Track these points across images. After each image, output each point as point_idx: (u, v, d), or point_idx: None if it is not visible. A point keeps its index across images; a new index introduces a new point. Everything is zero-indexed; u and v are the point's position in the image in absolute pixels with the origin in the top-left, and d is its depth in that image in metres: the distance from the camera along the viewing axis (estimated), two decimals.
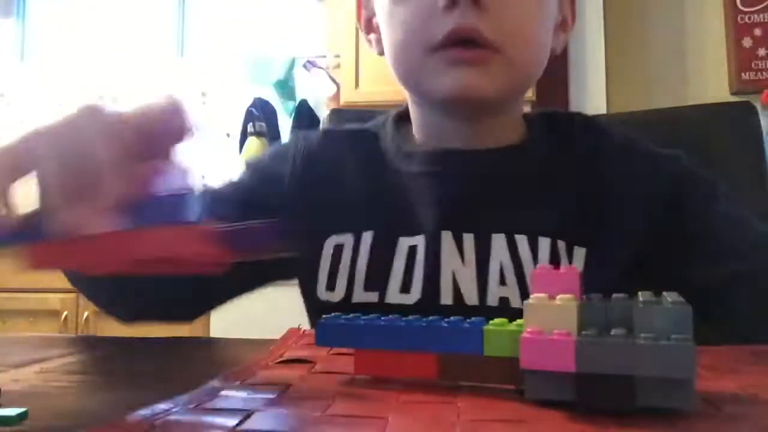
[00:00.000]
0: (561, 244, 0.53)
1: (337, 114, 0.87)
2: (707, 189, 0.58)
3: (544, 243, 0.53)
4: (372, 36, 0.63)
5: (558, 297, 0.25)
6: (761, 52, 2.20)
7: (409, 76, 0.57)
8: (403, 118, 0.64)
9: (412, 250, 0.54)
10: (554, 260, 0.53)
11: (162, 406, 0.24)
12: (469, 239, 0.54)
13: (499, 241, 0.54)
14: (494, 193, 0.56)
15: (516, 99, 0.60)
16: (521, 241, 0.54)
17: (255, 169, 0.63)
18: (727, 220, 0.56)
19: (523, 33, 0.55)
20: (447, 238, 0.55)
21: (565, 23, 0.63)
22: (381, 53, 0.60)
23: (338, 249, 0.55)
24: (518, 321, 0.26)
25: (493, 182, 0.56)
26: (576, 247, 0.53)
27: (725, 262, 0.54)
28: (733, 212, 0.57)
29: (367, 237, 0.56)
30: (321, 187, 0.59)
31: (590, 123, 0.62)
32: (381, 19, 0.59)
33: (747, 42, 2.20)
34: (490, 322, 0.27)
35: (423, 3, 0.54)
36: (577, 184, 0.57)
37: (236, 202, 0.59)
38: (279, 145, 0.67)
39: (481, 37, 0.52)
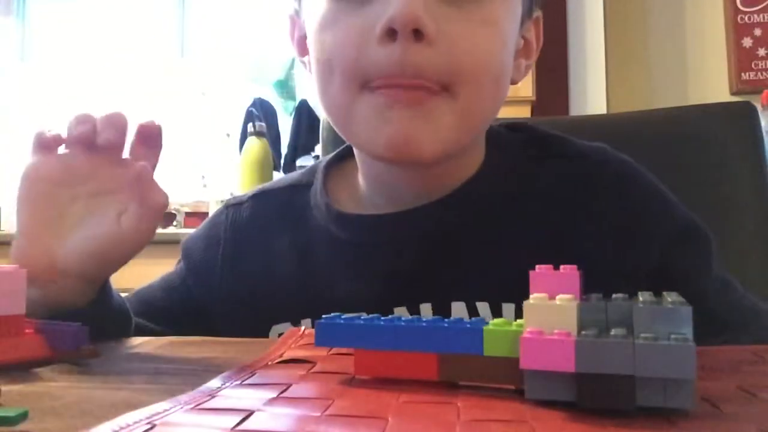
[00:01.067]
0: None
1: None
2: (699, 254, 0.51)
3: (508, 309, 0.47)
4: (306, 58, 0.54)
5: (558, 297, 0.25)
6: (761, 52, 2.20)
7: (340, 117, 0.48)
8: (341, 159, 0.57)
9: None
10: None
11: (161, 405, 0.24)
12: (426, 309, 0.49)
13: (458, 310, 0.48)
14: (449, 253, 0.50)
15: (473, 142, 0.51)
16: (483, 309, 0.48)
17: (189, 267, 0.59)
18: (718, 293, 0.50)
19: (478, 71, 0.45)
20: (401, 313, 0.49)
21: (529, 48, 0.54)
22: None
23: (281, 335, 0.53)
24: (518, 321, 0.26)
25: (446, 241, 0.50)
26: None
27: (716, 336, 0.47)
28: (722, 282, 0.51)
29: (306, 323, 0.51)
30: (251, 275, 0.55)
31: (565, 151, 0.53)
32: (309, 42, 0.50)
33: (747, 42, 2.20)
34: (491, 322, 0.27)
35: (353, 30, 0.45)
36: (544, 221, 0.50)
37: (176, 312, 0.57)
38: (210, 222, 0.61)
39: (425, 77, 0.44)
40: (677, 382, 0.22)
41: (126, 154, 0.47)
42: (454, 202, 0.50)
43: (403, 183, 0.51)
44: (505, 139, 0.55)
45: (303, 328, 0.41)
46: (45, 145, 0.46)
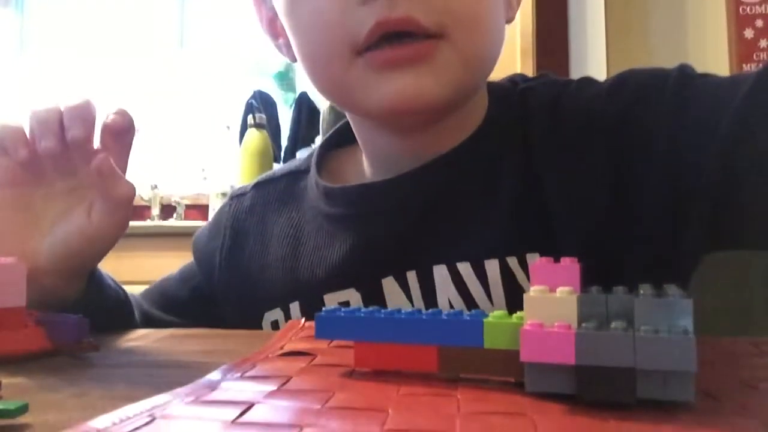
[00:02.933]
0: (511, 261, 0.45)
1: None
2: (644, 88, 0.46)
3: (491, 265, 0.46)
4: (281, 41, 0.52)
5: (558, 290, 0.25)
6: (763, 43, 2.19)
7: (331, 90, 0.47)
8: (338, 138, 0.57)
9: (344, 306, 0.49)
10: (507, 278, 0.45)
11: (161, 398, 0.24)
12: (412, 277, 0.48)
13: (440, 274, 0.47)
14: (431, 217, 0.48)
15: (474, 92, 0.49)
16: (464, 268, 0.46)
17: (195, 258, 0.60)
18: (683, 99, 0.45)
19: (474, 14, 0.44)
20: (389, 284, 0.48)
21: None
22: (295, 60, 0.49)
23: (274, 324, 0.52)
24: (519, 314, 0.26)
25: (428, 205, 0.48)
26: (528, 255, 0.45)
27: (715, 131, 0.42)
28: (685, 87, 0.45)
29: (295, 308, 0.51)
30: (246, 262, 0.55)
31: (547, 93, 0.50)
32: (284, 19, 0.48)
33: (749, 33, 2.19)
34: (491, 314, 0.27)
35: None
36: (525, 174, 0.47)
37: (188, 303, 0.59)
38: (216, 214, 0.61)
39: (418, 27, 0.42)
40: (678, 374, 0.22)
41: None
42: (438, 166, 0.49)
43: (399, 149, 0.50)
44: (508, 92, 0.52)
45: (303, 320, 0.41)
46: (11, 149, 0.44)
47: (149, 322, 0.55)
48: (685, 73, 0.46)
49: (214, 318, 0.54)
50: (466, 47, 0.43)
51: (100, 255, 0.47)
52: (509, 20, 0.50)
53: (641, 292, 0.25)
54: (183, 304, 0.59)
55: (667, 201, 0.44)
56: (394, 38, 0.42)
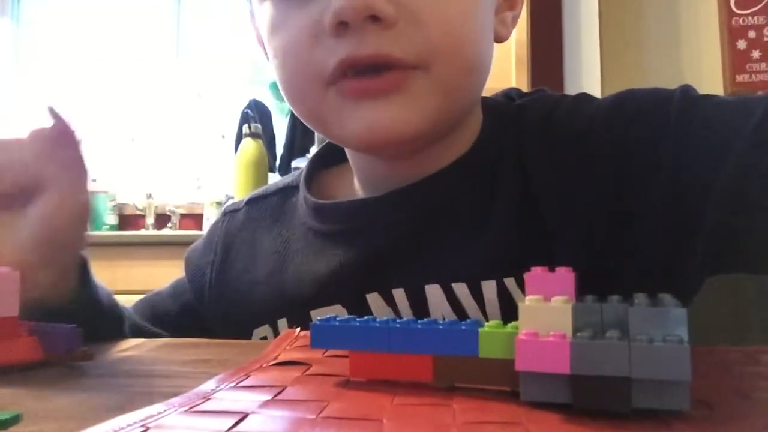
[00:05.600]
0: (509, 282, 0.44)
1: None
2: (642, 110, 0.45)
3: (488, 286, 0.44)
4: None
5: (553, 299, 0.25)
6: (755, 54, 2.21)
7: (308, 119, 0.46)
8: (328, 154, 0.56)
9: None
10: (504, 299, 0.44)
11: (155, 408, 0.24)
12: (399, 294, 0.47)
13: (434, 293, 0.45)
14: (423, 235, 0.47)
15: (463, 117, 0.47)
16: (460, 289, 0.45)
17: (187, 274, 0.59)
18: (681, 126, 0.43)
19: (454, 42, 0.41)
20: (375, 300, 0.47)
21: None
22: None
23: (264, 339, 0.52)
24: (514, 323, 0.26)
25: (420, 223, 0.47)
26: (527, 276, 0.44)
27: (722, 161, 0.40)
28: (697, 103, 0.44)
29: (283, 324, 0.51)
30: (235, 280, 0.55)
31: (546, 110, 0.49)
32: (265, 43, 0.47)
33: (741, 44, 2.21)
34: (486, 324, 0.27)
35: (302, 29, 0.42)
36: (521, 193, 0.46)
37: (179, 318, 0.58)
38: (209, 230, 0.61)
39: (391, 61, 0.40)
40: (673, 383, 0.22)
41: None
42: (432, 184, 0.47)
43: (388, 172, 0.49)
44: (503, 108, 0.51)
45: (298, 330, 0.41)
46: None
47: (138, 334, 0.55)
48: (688, 94, 0.45)
49: (203, 334, 0.54)
50: (445, 78, 0.41)
51: (80, 231, 0.44)
52: (502, 39, 0.48)
53: (636, 301, 0.25)
54: (172, 319, 0.59)
55: (670, 224, 0.43)
56: (368, 70, 0.40)
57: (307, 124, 0.48)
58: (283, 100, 2.26)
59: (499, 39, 0.48)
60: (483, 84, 0.47)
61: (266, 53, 0.51)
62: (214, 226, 0.61)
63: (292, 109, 0.48)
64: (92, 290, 0.49)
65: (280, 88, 0.47)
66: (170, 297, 0.60)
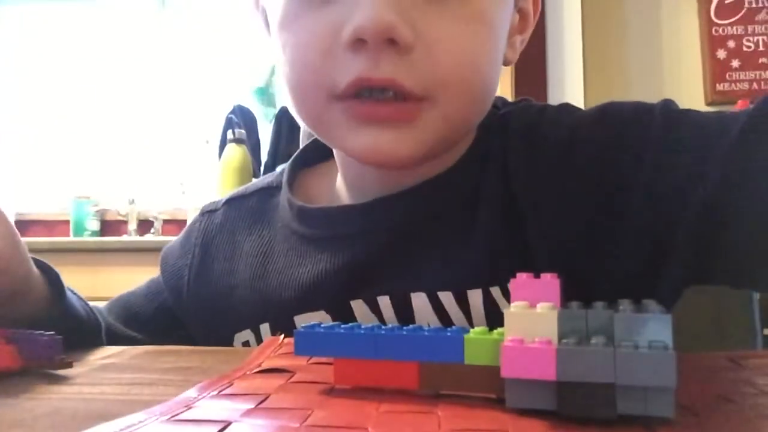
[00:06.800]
0: (495, 291, 0.44)
1: None
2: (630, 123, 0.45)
3: (474, 295, 0.44)
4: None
5: (538, 305, 0.25)
6: (735, 63, 2.24)
7: (310, 124, 0.46)
8: (310, 155, 0.56)
9: None
10: (490, 309, 0.44)
11: (136, 417, 0.24)
12: (384, 301, 0.46)
13: (419, 301, 0.45)
14: (409, 243, 0.47)
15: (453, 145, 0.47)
16: (446, 297, 0.45)
17: (163, 275, 0.58)
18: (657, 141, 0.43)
19: (465, 76, 0.41)
20: (359, 307, 0.47)
21: (525, 21, 0.50)
22: None
23: (245, 345, 0.51)
24: (499, 329, 0.26)
25: (407, 231, 0.47)
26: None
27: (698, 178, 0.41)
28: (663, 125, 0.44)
29: (265, 329, 0.50)
30: (215, 282, 0.54)
31: (527, 119, 0.49)
32: (274, 37, 0.45)
33: (721, 54, 2.25)
34: (471, 330, 0.27)
35: (317, 31, 0.41)
36: (505, 202, 0.46)
37: (154, 319, 0.57)
38: (186, 230, 0.60)
39: (401, 90, 0.40)
40: (658, 390, 0.22)
41: None
42: (419, 192, 0.47)
43: (379, 179, 0.49)
44: (489, 118, 0.50)
45: (282, 337, 0.40)
46: None
47: (110, 335, 0.54)
48: (669, 108, 0.46)
49: (179, 337, 0.53)
50: (452, 110, 0.42)
51: (12, 255, 0.42)
52: (509, 63, 0.49)
53: (620, 307, 0.25)
54: (147, 320, 0.57)
55: (649, 235, 0.43)
56: (377, 91, 0.40)
57: (308, 127, 0.47)
58: (267, 105, 2.24)
59: (507, 63, 0.49)
60: (487, 109, 0.47)
61: (268, 30, 0.48)
62: (192, 226, 0.59)
63: (295, 111, 0.47)
64: (66, 306, 0.48)
65: (285, 84, 0.45)
66: (145, 297, 0.59)
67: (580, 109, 0.51)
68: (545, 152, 0.47)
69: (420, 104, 0.41)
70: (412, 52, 0.39)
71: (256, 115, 2.49)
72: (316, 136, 0.56)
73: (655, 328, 0.23)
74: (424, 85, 0.40)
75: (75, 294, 0.51)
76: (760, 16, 2.24)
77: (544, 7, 2.15)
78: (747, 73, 2.23)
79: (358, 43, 0.39)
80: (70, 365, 0.36)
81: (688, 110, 0.46)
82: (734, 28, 2.26)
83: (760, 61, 2.23)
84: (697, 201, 0.41)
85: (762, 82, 2.22)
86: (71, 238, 2.36)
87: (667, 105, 0.46)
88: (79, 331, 0.48)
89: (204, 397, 0.27)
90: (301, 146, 0.60)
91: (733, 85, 2.23)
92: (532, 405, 0.24)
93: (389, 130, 0.41)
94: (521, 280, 0.26)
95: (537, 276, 0.26)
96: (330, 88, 0.41)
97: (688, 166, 0.42)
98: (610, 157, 0.45)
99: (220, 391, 0.28)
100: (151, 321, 0.57)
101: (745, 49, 2.24)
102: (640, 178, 0.43)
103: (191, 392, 0.28)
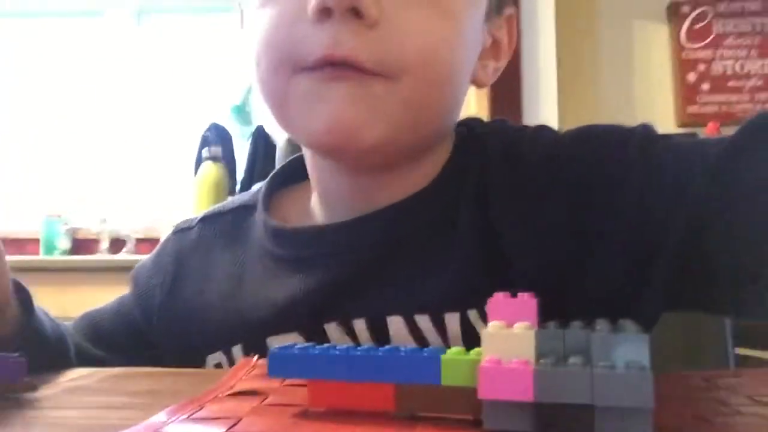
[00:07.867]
0: (472, 314, 0.44)
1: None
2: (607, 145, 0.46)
3: (452, 318, 0.44)
4: None
5: (515, 325, 0.25)
6: (705, 86, 2.29)
7: (275, 103, 0.46)
8: (288, 174, 0.55)
9: None
10: (467, 332, 0.43)
11: None
12: (360, 324, 0.46)
13: (396, 325, 0.45)
14: (384, 265, 0.46)
15: (428, 146, 0.47)
16: (423, 321, 0.44)
17: (134, 294, 0.57)
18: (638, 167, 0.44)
19: (426, 60, 0.42)
20: (332, 330, 0.46)
21: (498, 49, 0.50)
22: None
23: (218, 367, 0.50)
24: (477, 349, 0.26)
25: (382, 252, 0.47)
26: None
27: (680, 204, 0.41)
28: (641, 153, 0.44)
29: (237, 351, 0.49)
30: (187, 302, 0.53)
31: (507, 141, 0.49)
32: (250, 27, 0.47)
33: (691, 77, 2.30)
34: (448, 350, 0.26)
35: (288, 8, 0.42)
36: (483, 224, 0.46)
37: (122, 339, 0.56)
38: (159, 248, 0.59)
39: (362, 67, 0.41)
40: (636, 410, 0.22)
41: None
42: (394, 213, 0.47)
43: (351, 191, 0.48)
44: (464, 138, 0.51)
45: (255, 358, 0.39)
46: None
47: (81, 358, 0.53)
48: (649, 131, 0.46)
49: (149, 358, 0.51)
50: (412, 94, 0.42)
51: None
52: (480, 84, 0.50)
53: (598, 327, 0.25)
54: (116, 340, 0.56)
55: (627, 260, 0.43)
56: (339, 68, 0.41)
57: (270, 109, 0.47)
58: (244, 123, 2.23)
59: (478, 83, 0.49)
60: (453, 112, 0.47)
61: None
62: (165, 244, 0.58)
63: (259, 86, 0.47)
64: (36, 325, 0.46)
65: (253, 65, 0.46)
66: (114, 316, 0.57)
67: (558, 132, 0.51)
68: (524, 174, 0.47)
69: (378, 78, 0.41)
70: (377, 28, 0.40)
71: (232, 134, 2.48)
72: (291, 157, 0.56)
73: (632, 348, 0.23)
74: (384, 65, 0.41)
75: (46, 314, 0.50)
76: (729, 41, 2.29)
77: (520, 32, 2.18)
78: (716, 96, 2.28)
79: (324, 14, 0.40)
80: (34, 388, 0.34)
81: (668, 134, 0.47)
82: (704, 52, 2.31)
83: (728, 84, 2.28)
84: (679, 226, 0.41)
85: (730, 105, 2.27)
86: (42, 257, 2.31)
87: (647, 128, 0.47)
88: (48, 352, 0.46)
89: (173, 421, 0.26)
90: (277, 165, 0.59)
91: (702, 107, 2.28)
92: (510, 427, 0.24)
93: (349, 106, 0.41)
94: (498, 299, 0.26)
95: (514, 295, 0.26)
96: (293, 62, 0.42)
97: (668, 189, 0.42)
98: (591, 178, 0.45)
99: (190, 415, 0.27)
100: (121, 341, 0.56)
101: (714, 73, 2.29)
102: (620, 200, 0.43)
103: (160, 416, 0.27)
